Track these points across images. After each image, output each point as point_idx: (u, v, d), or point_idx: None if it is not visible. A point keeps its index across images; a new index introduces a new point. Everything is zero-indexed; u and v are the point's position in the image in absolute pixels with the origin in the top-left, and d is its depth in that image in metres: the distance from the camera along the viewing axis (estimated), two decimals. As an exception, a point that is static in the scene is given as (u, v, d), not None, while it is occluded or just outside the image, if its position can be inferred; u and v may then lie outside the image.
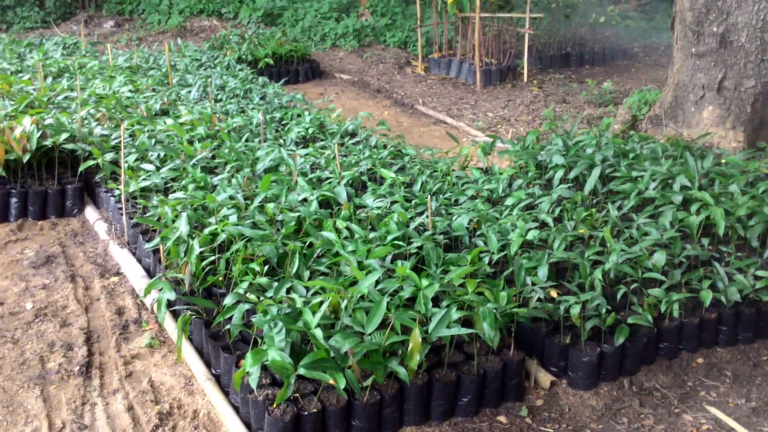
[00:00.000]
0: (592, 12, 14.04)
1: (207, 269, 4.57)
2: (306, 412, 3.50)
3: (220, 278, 4.51)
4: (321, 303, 3.82)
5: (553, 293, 4.27)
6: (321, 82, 12.58)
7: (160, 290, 4.37)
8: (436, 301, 4.05)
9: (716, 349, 4.62)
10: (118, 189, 6.10)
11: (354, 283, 4.02)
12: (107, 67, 10.45)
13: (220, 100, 9.04)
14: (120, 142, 6.72)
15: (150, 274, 5.22)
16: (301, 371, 3.40)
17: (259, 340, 3.89)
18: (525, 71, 12.08)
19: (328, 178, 5.96)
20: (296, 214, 4.99)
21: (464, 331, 3.66)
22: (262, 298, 4.00)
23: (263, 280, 4.17)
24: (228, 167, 6.08)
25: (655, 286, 4.52)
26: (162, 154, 6.41)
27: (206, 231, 4.72)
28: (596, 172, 5.75)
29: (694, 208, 5.11)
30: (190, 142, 6.75)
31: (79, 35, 14.19)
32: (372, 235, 4.72)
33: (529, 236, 4.70)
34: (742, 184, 5.51)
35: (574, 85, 11.72)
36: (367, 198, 5.48)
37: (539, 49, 13.18)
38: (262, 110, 7.80)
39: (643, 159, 6.11)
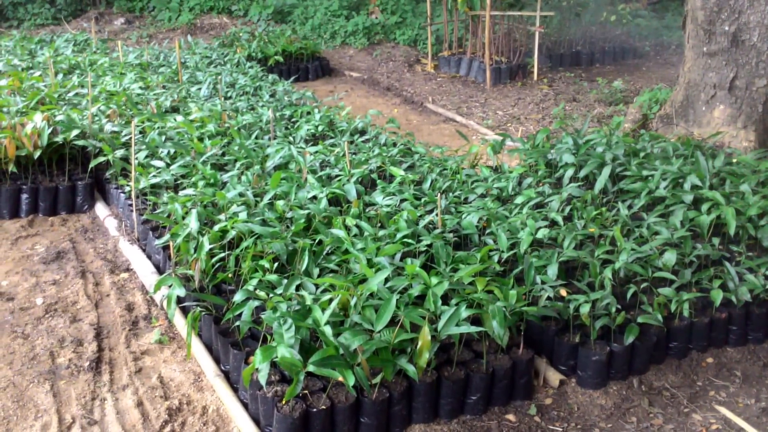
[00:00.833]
0: (603, 10, 13.99)
1: (217, 266, 4.58)
2: (315, 409, 3.50)
3: (230, 275, 4.52)
4: (330, 300, 3.82)
5: (563, 292, 4.26)
6: (331, 80, 12.59)
7: (170, 287, 4.38)
8: (445, 299, 4.05)
9: (726, 349, 4.60)
10: (128, 185, 6.12)
11: (363, 280, 4.02)
12: (118, 64, 10.48)
13: (230, 97, 9.05)
14: (130, 138, 6.75)
15: (160, 270, 5.24)
16: (311, 368, 3.40)
17: (269, 337, 3.90)
18: (535, 69, 12.05)
19: (337, 176, 5.96)
20: (306, 212, 5.00)
21: (473, 329, 3.66)
22: (271, 295, 4.01)
23: (273, 277, 4.18)
24: (238, 164, 6.09)
25: (665, 285, 4.51)
26: (172, 151, 6.43)
27: (216, 228, 4.72)
28: (607, 171, 5.73)
29: (704, 207, 5.09)
30: (200, 139, 6.76)
31: (89, 32, 14.24)
32: (381, 232, 4.72)
33: (539, 235, 4.69)
34: (753, 183, 5.48)
35: (584, 83, 11.69)
36: (376, 196, 5.48)
37: (549, 47, 13.16)
38: (272, 108, 7.81)
39: (654, 158, 6.09)
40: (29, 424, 3.68)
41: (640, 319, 4.22)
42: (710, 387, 4.24)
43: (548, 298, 4.21)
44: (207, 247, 4.49)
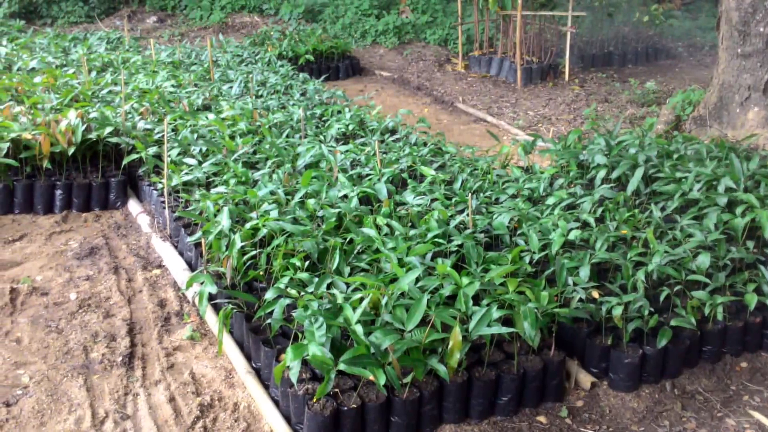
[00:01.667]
0: (636, 11, 13.85)
1: (248, 263, 4.61)
2: (345, 408, 3.51)
3: (261, 273, 4.54)
4: (361, 299, 3.82)
5: (595, 294, 4.22)
6: (361, 79, 12.61)
7: (202, 283, 4.41)
8: (476, 299, 4.04)
9: (761, 354, 4.54)
10: (161, 182, 6.18)
11: (394, 279, 4.02)
12: (150, 62, 10.59)
13: (261, 95, 9.11)
14: (163, 136, 6.82)
15: (191, 267, 5.28)
16: (342, 367, 3.41)
17: (300, 335, 3.92)
18: (566, 70, 11.96)
19: (368, 175, 5.97)
20: (336, 210, 5.01)
21: (505, 330, 3.64)
22: (302, 293, 4.03)
23: (304, 275, 4.19)
24: (269, 163, 6.12)
25: (698, 288, 4.45)
26: (204, 148, 6.48)
27: (247, 226, 4.75)
28: (639, 173, 5.67)
29: (739, 210, 5.01)
30: (232, 137, 6.81)
31: (122, 30, 14.40)
32: (412, 232, 4.72)
33: (571, 236, 4.65)
34: (789, 186, 5.39)
35: (616, 84, 11.58)
36: (407, 195, 5.48)
37: (581, 47, 13.06)
38: (302, 106, 7.85)
39: (688, 160, 6.01)
40: (63, 418, 3.73)
41: (673, 323, 4.17)
42: (744, 391, 4.18)
43: (580, 299, 4.18)
44: (239, 244, 4.52)
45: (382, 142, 7.03)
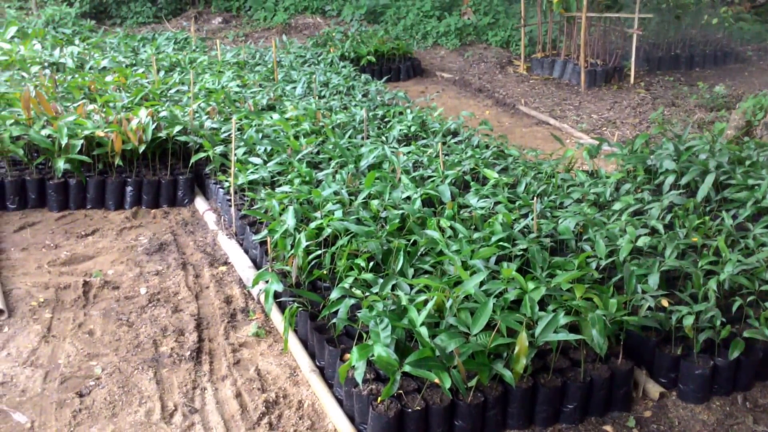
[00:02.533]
0: (704, 13, 13.52)
1: (312, 263, 4.65)
2: (410, 410, 3.52)
3: (325, 272, 4.58)
4: (426, 301, 3.82)
5: (664, 302, 4.13)
6: (422, 81, 12.61)
7: (267, 281, 4.48)
8: (540, 304, 3.99)
9: (838, 369, 4.38)
10: (227, 181, 6.28)
11: (458, 282, 4.01)
12: (216, 62, 10.79)
13: (324, 96, 9.19)
14: (229, 135, 6.94)
15: (256, 264, 5.36)
16: (407, 368, 3.42)
17: (365, 335, 3.94)
18: (632, 73, 11.75)
19: (430, 177, 5.97)
20: (400, 212, 5.02)
21: (572, 337, 3.59)
22: (367, 294, 4.05)
23: (368, 275, 4.22)
24: (332, 163, 6.17)
25: (772, 299, 4.32)
26: (269, 148, 6.57)
27: (312, 225, 4.80)
28: (710, 179, 5.54)
29: (816, 219, 4.86)
30: (296, 137, 6.89)
31: (189, 31, 14.69)
32: (476, 235, 4.70)
33: (640, 243, 4.57)
34: None
35: (683, 88, 11.32)
36: (470, 198, 5.46)
37: (647, 50, 12.81)
38: (365, 107, 7.89)
39: (760, 166, 5.84)
40: (134, 410, 3.82)
41: (746, 334, 4.05)
42: (820, 408, 4.04)
43: (649, 308, 4.10)
44: (304, 243, 4.57)
45: (444, 144, 7.02)
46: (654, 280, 4.21)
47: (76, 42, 12.27)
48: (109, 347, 4.36)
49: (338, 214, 4.94)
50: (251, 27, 16.54)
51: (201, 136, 6.86)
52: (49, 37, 12.15)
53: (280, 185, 5.90)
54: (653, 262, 4.36)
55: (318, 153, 6.58)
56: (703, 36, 13.63)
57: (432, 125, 7.76)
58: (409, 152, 6.53)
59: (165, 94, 8.50)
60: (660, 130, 6.70)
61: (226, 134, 7.02)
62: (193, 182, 6.85)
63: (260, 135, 6.91)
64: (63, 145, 6.23)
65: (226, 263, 5.55)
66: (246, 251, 5.60)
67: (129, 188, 6.54)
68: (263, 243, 5.26)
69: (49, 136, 6.34)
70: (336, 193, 5.41)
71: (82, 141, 6.35)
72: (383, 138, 7.17)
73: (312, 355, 4.28)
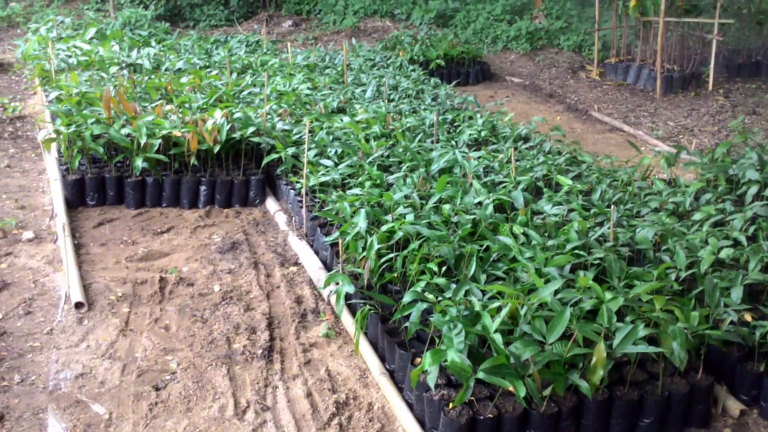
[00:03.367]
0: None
1: (383, 266, 4.65)
2: (482, 417, 3.47)
3: (396, 275, 4.57)
4: (500, 308, 3.78)
5: (748, 317, 3.99)
6: (491, 85, 12.51)
7: (339, 283, 4.49)
8: (617, 315, 3.89)
9: None
10: (298, 182, 6.34)
11: (532, 290, 3.95)
12: (287, 64, 10.91)
13: (393, 99, 9.19)
14: (301, 137, 7.01)
15: (326, 266, 5.39)
16: (481, 375, 3.38)
17: (437, 340, 3.91)
18: (710, 79, 11.41)
19: (501, 182, 5.91)
20: (471, 217, 4.98)
21: (652, 349, 3.50)
22: (440, 299, 4.02)
23: (441, 280, 4.19)
24: (403, 166, 6.16)
25: None
26: (339, 150, 6.60)
27: (383, 228, 4.79)
28: (796, 190, 5.33)
29: None
30: (366, 140, 6.90)
31: (260, 33, 14.91)
32: (550, 242, 4.62)
33: (722, 254, 4.42)
34: None
35: (765, 96, 10.94)
36: (543, 204, 5.38)
37: (726, 56, 12.42)
38: (435, 111, 7.86)
39: None
40: (208, 405, 3.88)
41: (835, 353, 3.89)
42: None
43: (731, 322, 3.96)
44: (376, 246, 4.56)
45: (515, 149, 6.94)
46: (737, 293, 4.07)
47: (152, 44, 12.58)
48: (184, 342, 4.44)
49: (410, 217, 4.93)
50: (320, 30, 16.70)
51: (273, 137, 6.94)
52: (127, 39, 12.48)
53: (350, 188, 5.92)
54: (736, 275, 4.21)
55: (388, 156, 6.58)
56: (786, 43, 13.17)
57: (502, 130, 7.69)
58: (479, 157, 6.48)
59: (238, 96, 8.63)
60: (743, 138, 6.49)
61: (297, 136, 7.09)
62: (265, 183, 6.93)
63: (331, 137, 6.95)
64: (142, 144, 6.39)
65: (296, 263, 5.59)
66: (316, 252, 5.64)
67: (203, 188, 6.66)
68: (334, 245, 5.29)
69: (128, 135, 6.51)
70: (407, 197, 5.40)
71: (159, 140, 6.50)
72: (453, 142, 7.13)
73: (382, 358, 4.27)
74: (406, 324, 4.06)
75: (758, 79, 12.17)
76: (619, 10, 12.58)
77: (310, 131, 7.22)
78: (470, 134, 7.36)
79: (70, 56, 10.46)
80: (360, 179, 5.90)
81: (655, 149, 8.20)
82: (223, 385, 4.04)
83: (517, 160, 6.50)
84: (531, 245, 4.57)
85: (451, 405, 3.53)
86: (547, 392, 3.53)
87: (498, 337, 3.51)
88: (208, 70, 10.50)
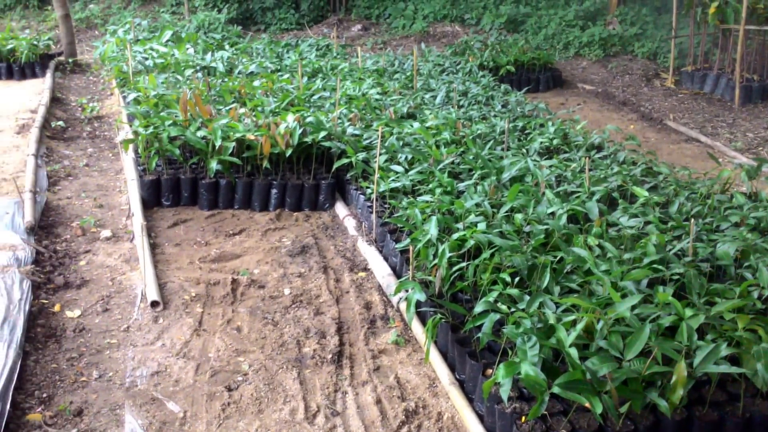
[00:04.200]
0: None
1: (455, 274, 4.62)
2: (555, 432, 3.42)
3: (467, 284, 4.53)
4: (575, 321, 3.70)
5: (837, 340, 3.81)
6: (562, 92, 12.34)
7: (409, 290, 4.48)
8: (697, 333, 3.78)
9: None
10: (368, 188, 6.35)
11: (608, 304, 3.86)
12: (356, 69, 10.97)
13: (463, 106, 9.15)
14: (371, 142, 7.03)
15: (396, 272, 5.38)
16: (556, 390, 3.31)
17: (509, 352, 3.86)
18: (791, 89, 11.03)
19: (574, 192, 5.80)
20: (544, 227, 4.90)
21: (735, 369, 3.38)
22: (513, 310, 3.97)
23: (514, 291, 4.13)
24: (474, 174, 6.12)
25: None
26: (409, 156, 6.60)
27: (454, 236, 4.76)
28: None
29: None
30: (436, 147, 6.88)
31: (330, 37, 15.05)
32: (626, 255, 4.51)
33: (809, 273, 4.24)
34: None
35: None
36: (618, 216, 5.26)
37: (809, 65, 11.98)
38: (505, 118, 7.79)
39: None
40: (278, 408, 3.92)
41: None
42: None
43: (819, 345, 3.79)
44: (448, 254, 4.54)
45: (588, 158, 6.81)
46: (826, 315, 3.90)
47: (225, 47, 12.82)
48: (256, 345, 4.50)
49: (481, 226, 4.88)
50: (390, 35, 16.75)
51: (344, 142, 6.98)
52: (201, 42, 12.75)
53: (420, 194, 5.90)
54: (824, 296, 4.04)
55: (459, 163, 6.54)
56: None
57: (575, 138, 7.56)
58: (551, 166, 6.39)
59: (308, 100, 8.72)
60: (829, 152, 6.23)
61: (367, 141, 7.11)
62: (335, 187, 6.98)
63: (401, 143, 6.96)
64: (216, 147, 6.51)
65: (365, 269, 5.61)
66: (385, 258, 5.64)
67: (274, 191, 6.74)
68: (404, 251, 5.28)
69: (203, 138, 6.64)
70: (478, 205, 5.36)
71: (234, 143, 6.61)
72: (524, 150, 7.05)
73: (451, 368, 4.24)
74: (478, 335, 4.02)
75: (844, 90, 11.68)
76: (697, 17, 12.26)
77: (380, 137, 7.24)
78: (541, 142, 7.26)
79: (146, 58, 10.75)
80: (430, 186, 5.88)
81: (734, 161, 7.95)
82: (294, 388, 4.07)
83: (590, 170, 6.38)
84: (606, 258, 4.48)
85: (524, 418, 3.48)
86: (623, 409, 3.44)
87: (574, 352, 3.45)
88: (280, 73, 10.64)
